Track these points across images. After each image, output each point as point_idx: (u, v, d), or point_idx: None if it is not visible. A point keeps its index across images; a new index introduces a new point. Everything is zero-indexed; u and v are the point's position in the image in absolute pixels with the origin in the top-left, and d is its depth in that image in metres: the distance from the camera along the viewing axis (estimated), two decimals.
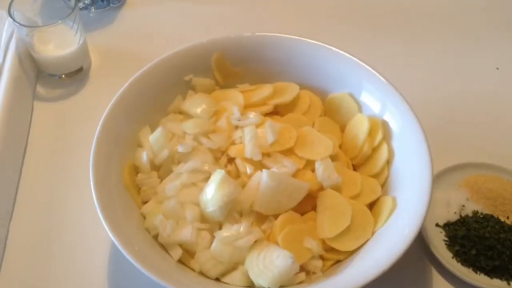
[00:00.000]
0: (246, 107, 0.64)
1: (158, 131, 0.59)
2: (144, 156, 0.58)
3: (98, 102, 0.62)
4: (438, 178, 0.65)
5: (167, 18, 0.88)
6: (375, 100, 0.61)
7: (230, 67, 0.66)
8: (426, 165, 0.53)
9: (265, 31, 0.66)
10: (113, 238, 0.49)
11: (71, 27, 0.74)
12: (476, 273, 0.58)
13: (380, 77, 0.60)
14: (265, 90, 0.65)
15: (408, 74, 0.79)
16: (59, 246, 0.62)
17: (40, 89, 0.77)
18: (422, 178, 0.52)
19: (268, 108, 0.64)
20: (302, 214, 0.56)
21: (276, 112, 0.65)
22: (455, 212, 0.63)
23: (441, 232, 0.61)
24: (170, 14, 0.89)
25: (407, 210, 0.52)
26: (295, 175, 0.56)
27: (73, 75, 0.78)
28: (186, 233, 0.53)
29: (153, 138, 0.59)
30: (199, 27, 0.87)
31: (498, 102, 0.77)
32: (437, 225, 0.62)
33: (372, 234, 0.54)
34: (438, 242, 0.60)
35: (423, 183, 0.52)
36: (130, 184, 0.57)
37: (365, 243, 0.54)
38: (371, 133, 0.60)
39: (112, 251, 0.61)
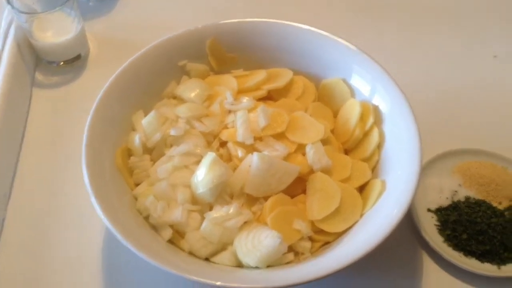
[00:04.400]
0: (240, 92, 0.64)
1: (151, 114, 0.59)
2: (136, 139, 0.59)
3: (96, 89, 0.62)
4: (431, 164, 0.65)
5: (164, 7, 0.89)
6: (367, 85, 0.62)
7: (225, 52, 0.67)
8: (415, 147, 0.53)
9: (259, 17, 0.66)
10: (103, 219, 0.50)
11: (69, 14, 0.75)
12: (467, 257, 0.58)
13: (373, 62, 0.61)
14: (259, 75, 0.65)
15: (404, 61, 0.79)
16: (55, 230, 0.63)
17: (39, 76, 0.78)
18: (411, 160, 0.52)
19: (261, 93, 0.64)
20: (292, 197, 0.56)
21: (270, 97, 0.66)
22: (447, 198, 0.63)
23: (432, 217, 0.61)
24: (168, 3, 0.89)
25: (396, 192, 0.52)
26: (286, 158, 0.56)
27: (71, 62, 0.79)
28: (176, 214, 0.53)
29: (146, 121, 0.59)
30: (197, 16, 0.87)
31: (494, 89, 0.77)
32: (429, 210, 0.62)
33: (361, 216, 0.54)
34: (430, 227, 0.60)
35: (411, 164, 0.52)
36: (123, 167, 0.58)
37: (353, 225, 0.54)
38: (362, 117, 0.60)
39: (106, 233, 0.62)
